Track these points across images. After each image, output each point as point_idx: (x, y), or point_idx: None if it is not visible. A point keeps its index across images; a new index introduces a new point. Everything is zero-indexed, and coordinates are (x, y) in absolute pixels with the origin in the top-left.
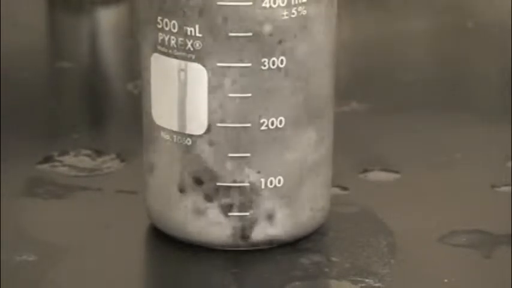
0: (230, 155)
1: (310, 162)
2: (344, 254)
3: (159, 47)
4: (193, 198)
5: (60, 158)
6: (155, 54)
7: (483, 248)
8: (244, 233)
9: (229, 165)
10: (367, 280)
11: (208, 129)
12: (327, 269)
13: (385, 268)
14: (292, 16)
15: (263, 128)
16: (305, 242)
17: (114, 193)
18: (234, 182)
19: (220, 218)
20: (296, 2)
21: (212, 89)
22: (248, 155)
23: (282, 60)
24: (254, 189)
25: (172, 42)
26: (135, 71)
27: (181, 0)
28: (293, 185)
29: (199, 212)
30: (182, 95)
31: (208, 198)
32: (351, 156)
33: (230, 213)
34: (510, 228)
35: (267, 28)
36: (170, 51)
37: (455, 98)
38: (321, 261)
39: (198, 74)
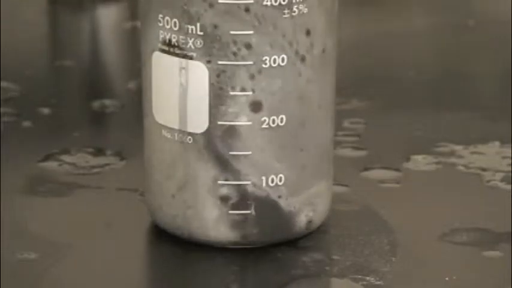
0: (231, 153)
1: (311, 160)
2: (345, 252)
3: (160, 45)
4: (194, 196)
5: (61, 156)
6: (156, 53)
7: (484, 246)
8: (245, 231)
9: (230, 163)
10: (368, 278)
11: (209, 127)
12: (328, 267)
13: (386, 266)
14: (293, 14)
15: (264, 126)
16: (306, 240)
17: (115, 191)
18: (235, 180)
19: (221, 215)
20: (297, 0)
21: (213, 87)
22: (249, 153)
23: (283, 59)
24: (255, 187)
25: (173, 40)
26: (136, 69)
27: None
28: (294, 183)
29: (199, 210)
30: (183, 93)
31: (209, 196)
32: (351, 154)
33: (231, 211)
34: (510, 226)
35: (268, 26)
36: (171, 49)
37: (456, 97)
38: (322, 259)
39: (199, 72)
